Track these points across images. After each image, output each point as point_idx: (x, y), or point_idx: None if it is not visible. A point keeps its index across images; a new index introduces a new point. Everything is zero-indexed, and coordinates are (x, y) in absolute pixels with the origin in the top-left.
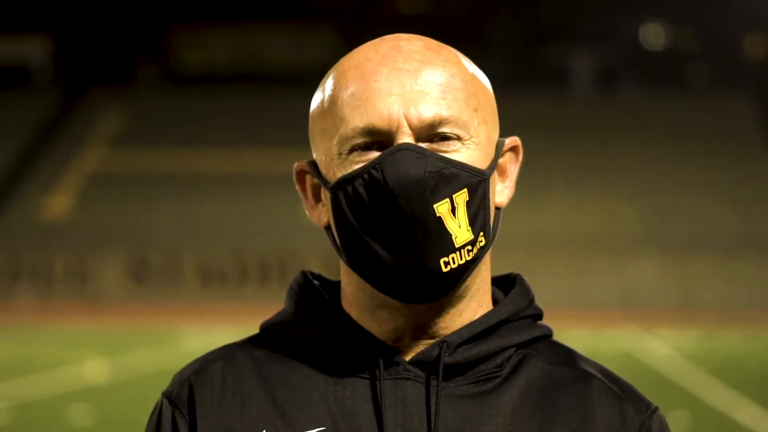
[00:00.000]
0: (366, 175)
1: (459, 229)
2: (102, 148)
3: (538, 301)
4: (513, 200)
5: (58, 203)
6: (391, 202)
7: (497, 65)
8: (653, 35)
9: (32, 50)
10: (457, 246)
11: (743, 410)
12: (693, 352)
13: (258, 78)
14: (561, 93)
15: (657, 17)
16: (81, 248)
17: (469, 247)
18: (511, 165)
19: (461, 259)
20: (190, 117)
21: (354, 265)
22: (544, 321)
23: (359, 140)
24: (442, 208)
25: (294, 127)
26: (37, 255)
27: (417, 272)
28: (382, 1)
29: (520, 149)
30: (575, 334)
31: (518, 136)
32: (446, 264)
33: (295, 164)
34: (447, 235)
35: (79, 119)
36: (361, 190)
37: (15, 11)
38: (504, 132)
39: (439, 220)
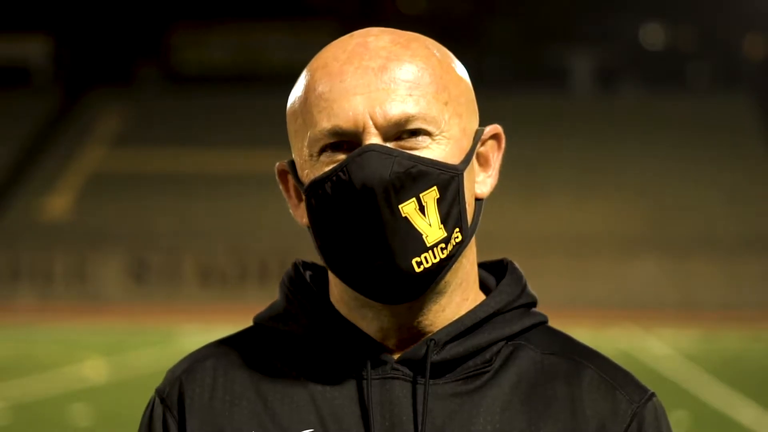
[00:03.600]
0: (335, 178)
1: (429, 228)
2: (102, 148)
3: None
4: (513, 200)
5: (58, 203)
6: (359, 204)
7: (497, 65)
8: (653, 35)
9: (32, 50)
10: (428, 245)
11: (743, 410)
12: (693, 352)
13: (258, 78)
14: (561, 93)
15: (657, 17)
16: (81, 248)
17: (443, 245)
18: (494, 153)
19: (435, 257)
20: (190, 117)
21: (331, 266)
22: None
23: (327, 141)
24: (407, 208)
25: None
26: (37, 255)
27: (389, 274)
28: (382, 0)
29: (502, 137)
30: (575, 334)
31: (518, 135)
32: (419, 264)
33: (277, 164)
34: (416, 235)
35: (79, 119)
36: (331, 192)
37: (15, 11)
38: (504, 132)
39: (406, 220)
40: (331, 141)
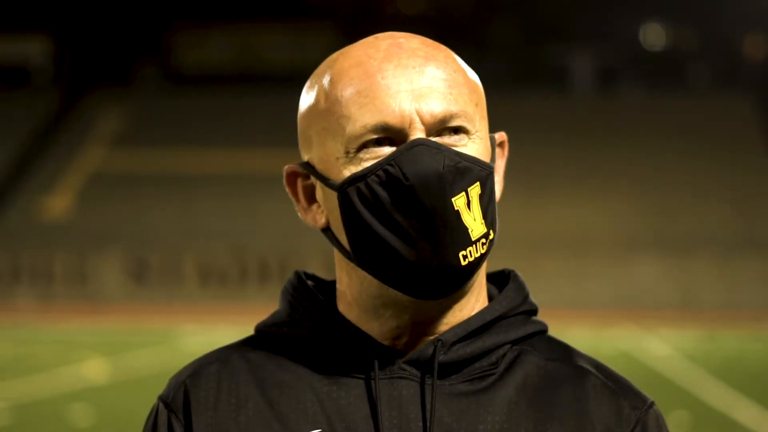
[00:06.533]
0: (381, 172)
1: (474, 222)
2: (102, 148)
3: (537, 300)
4: (513, 200)
5: (58, 203)
6: (411, 197)
7: (497, 65)
8: (653, 35)
9: (32, 50)
10: (473, 239)
11: (743, 410)
12: (693, 352)
13: (258, 78)
14: (561, 93)
15: (657, 17)
16: (81, 248)
17: (483, 240)
18: (500, 160)
19: (477, 252)
20: (190, 117)
21: (366, 263)
22: (543, 319)
23: (370, 137)
24: (459, 201)
25: (294, 127)
26: (37, 255)
27: (437, 267)
28: (382, 1)
29: (506, 144)
30: (575, 334)
31: (518, 136)
32: (465, 257)
33: (286, 167)
34: (464, 229)
35: (79, 119)
36: (376, 186)
37: (15, 11)
38: (505, 131)
39: (457, 214)
40: (375, 137)
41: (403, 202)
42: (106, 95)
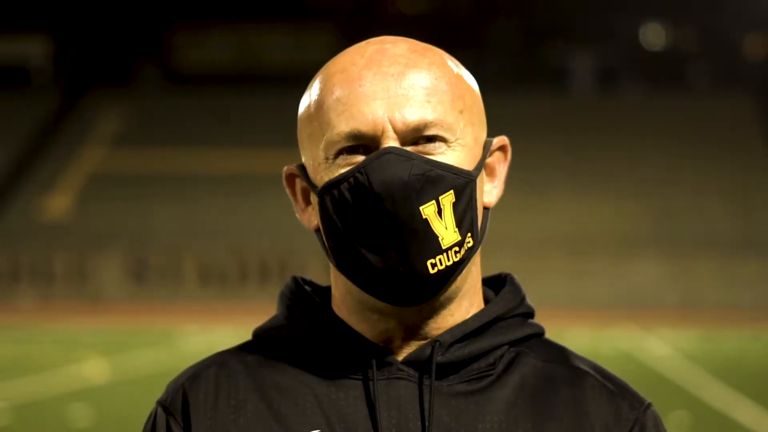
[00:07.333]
0: (351, 179)
1: (446, 231)
2: (102, 148)
3: (537, 300)
4: (513, 200)
5: (58, 203)
6: (377, 205)
7: (497, 65)
8: (653, 35)
9: (32, 50)
10: (444, 247)
11: (743, 410)
12: (693, 352)
13: (258, 78)
14: (561, 93)
15: (657, 17)
16: (81, 248)
17: (457, 248)
18: (500, 164)
19: (448, 260)
20: (190, 117)
21: (342, 268)
22: (543, 320)
23: (345, 145)
24: (428, 210)
25: (293, 128)
26: (37, 255)
27: (404, 275)
28: (382, 1)
29: (509, 148)
30: (575, 334)
31: (518, 136)
32: (433, 266)
33: (285, 168)
34: (433, 237)
35: (79, 119)
36: (347, 194)
37: (15, 11)
38: (504, 132)
39: (425, 222)
40: (349, 144)
41: (370, 210)
42: (106, 95)
